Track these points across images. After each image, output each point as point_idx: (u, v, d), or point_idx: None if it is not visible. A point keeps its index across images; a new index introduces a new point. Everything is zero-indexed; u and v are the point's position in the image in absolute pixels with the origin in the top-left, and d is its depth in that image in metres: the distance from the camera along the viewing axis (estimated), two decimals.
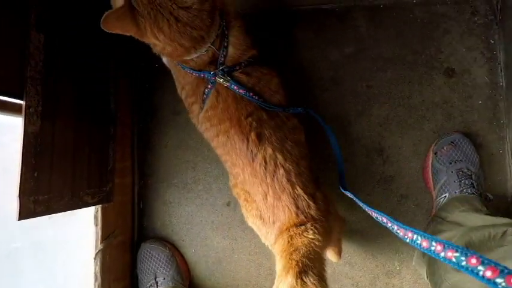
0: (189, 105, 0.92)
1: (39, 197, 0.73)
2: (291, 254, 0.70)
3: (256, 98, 0.83)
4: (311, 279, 0.66)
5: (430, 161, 1.12)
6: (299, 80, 1.25)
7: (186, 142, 1.28)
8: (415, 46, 1.23)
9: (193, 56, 0.79)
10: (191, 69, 0.83)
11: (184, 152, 1.27)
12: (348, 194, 0.83)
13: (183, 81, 0.89)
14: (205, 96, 0.86)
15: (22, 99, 0.71)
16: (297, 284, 0.64)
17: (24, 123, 0.70)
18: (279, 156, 0.81)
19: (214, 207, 1.24)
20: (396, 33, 1.24)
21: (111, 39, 1.09)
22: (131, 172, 1.22)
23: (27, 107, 0.71)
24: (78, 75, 0.91)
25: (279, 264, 0.71)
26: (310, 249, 0.72)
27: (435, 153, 1.11)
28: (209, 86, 0.84)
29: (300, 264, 0.68)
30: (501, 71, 1.19)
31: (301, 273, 0.66)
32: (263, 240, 0.88)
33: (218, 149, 0.91)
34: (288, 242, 0.73)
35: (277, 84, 0.93)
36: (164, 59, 0.96)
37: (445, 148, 1.09)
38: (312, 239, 0.74)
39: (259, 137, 0.82)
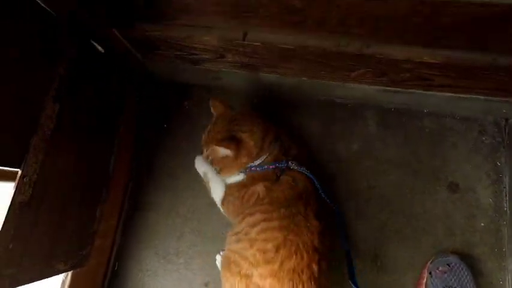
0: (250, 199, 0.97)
1: (7, 270, 0.69)
2: None
3: (315, 179, 0.98)
4: None
5: (424, 280, 1.06)
6: None
7: (177, 209, 1.24)
8: (422, 155, 1.24)
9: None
10: (267, 164, 0.96)
11: (174, 219, 1.23)
12: None
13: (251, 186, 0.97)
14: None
15: (18, 168, 0.69)
16: None
17: (14, 193, 0.68)
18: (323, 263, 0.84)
19: (191, 286, 1.16)
20: (404, 138, 1.26)
21: (122, 100, 1.13)
22: (114, 232, 1.18)
23: (22, 176, 0.69)
24: (83, 140, 0.91)
25: None
26: None
27: (430, 273, 1.05)
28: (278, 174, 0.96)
29: None
30: (506, 195, 1.18)
31: None
32: None
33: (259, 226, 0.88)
34: None
35: None
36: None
37: (440, 269, 1.04)
38: None
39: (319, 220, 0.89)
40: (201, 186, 1.25)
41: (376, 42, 0.91)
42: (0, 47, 0.64)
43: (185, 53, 1.06)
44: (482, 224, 1.16)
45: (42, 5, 0.72)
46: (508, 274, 1.11)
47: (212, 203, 1.23)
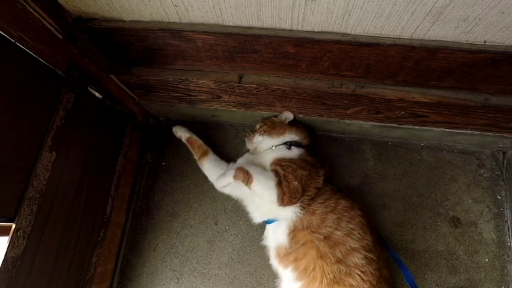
0: None
1: None
2: None
3: None
4: None
5: None
6: None
7: (176, 249, 1.22)
8: (421, 188, 1.23)
9: None
10: None
11: (172, 259, 1.21)
12: None
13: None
14: None
15: (12, 222, 0.69)
16: None
17: (7, 249, 0.67)
18: None
19: None
20: (403, 172, 1.25)
21: (120, 141, 1.13)
22: (111, 276, 1.15)
23: (16, 230, 0.69)
24: (80, 183, 0.91)
25: None
26: None
27: None
28: None
29: None
30: (508, 229, 1.16)
31: None
32: None
33: None
34: None
35: None
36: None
37: None
38: None
39: None
40: (200, 223, 1.23)
41: (369, 83, 0.93)
42: None
43: (182, 94, 1.08)
44: (487, 260, 1.13)
45: (41, 60, 0.74)
46: None
47: (212, 240, 1.21)
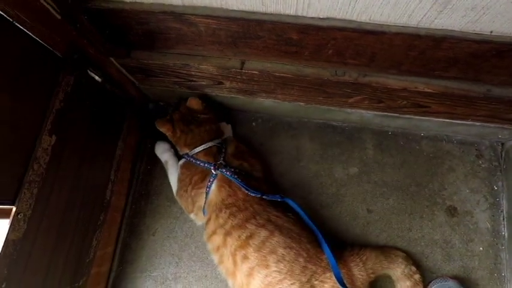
0: (193, 199, 1.08)
1: None
2: None
3: (240, 180, 1.00)
4: None
5: None
6: (300, 191, 1.23)
7: (175, 233, 1.23)
8: (419, 178, 1.24)
9: (200, 148, 1.09)
10: (200, 160, 1.07)
11: (172, 244, 1.22)
12: None
13: (191, 174, 1.09)
14: (208, 189, 1.04)
15: (12, 205, 0.68)
16: None
17: (8, 231, 0.67)
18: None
19: None
20: (401, 161, 1.26)
21: (120, 125, 1.12)
22: (111, 259, 1.16)
23: (17, 213, 0.69)
24: (80, 167, 0.90)
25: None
26: None
27: None
28: (211, 179, 1.03)
29: None
30: (503, 219, 1.18)
31: None
32: None
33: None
34: None
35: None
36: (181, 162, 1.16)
37: None
38: None
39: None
40: None
41: (373, 72, 0.92)
42: None
43: (182, 79, 1.07)
44: (481, 249, 1.16)
45: (40, 41, 0.72)
46: None
47: None
